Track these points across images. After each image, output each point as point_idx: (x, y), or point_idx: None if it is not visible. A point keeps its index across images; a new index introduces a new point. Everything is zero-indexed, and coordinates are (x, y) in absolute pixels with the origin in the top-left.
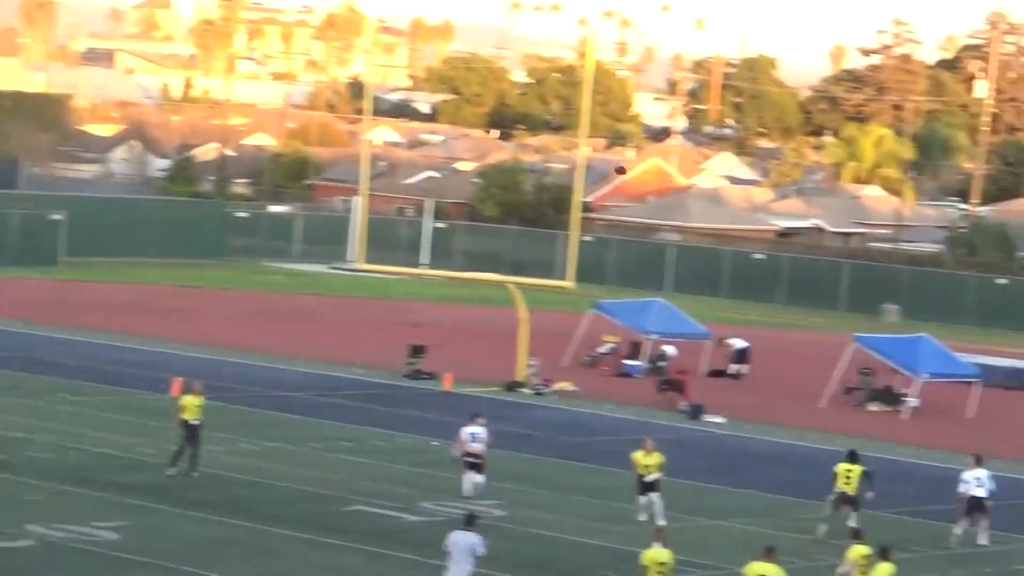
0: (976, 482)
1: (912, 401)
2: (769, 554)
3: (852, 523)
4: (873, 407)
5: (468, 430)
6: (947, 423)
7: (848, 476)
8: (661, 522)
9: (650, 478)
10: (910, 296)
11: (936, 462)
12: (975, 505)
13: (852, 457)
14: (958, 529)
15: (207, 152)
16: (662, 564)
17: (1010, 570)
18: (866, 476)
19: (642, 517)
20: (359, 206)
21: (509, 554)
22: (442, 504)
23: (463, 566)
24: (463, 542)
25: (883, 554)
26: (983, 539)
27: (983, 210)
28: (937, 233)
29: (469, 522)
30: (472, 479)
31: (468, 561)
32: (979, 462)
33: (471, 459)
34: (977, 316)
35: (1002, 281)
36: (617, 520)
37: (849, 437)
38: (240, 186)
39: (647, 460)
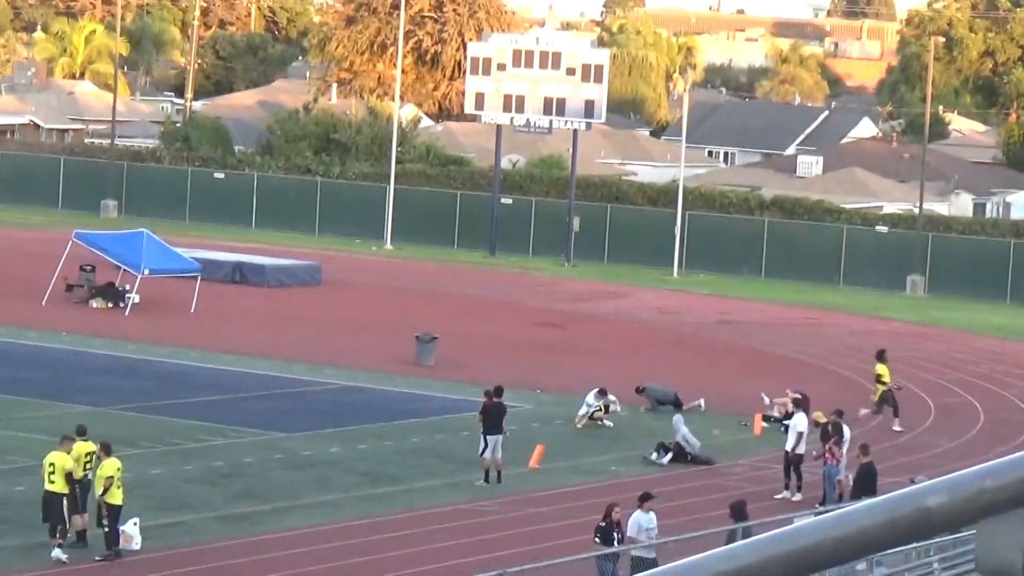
0: None
1: (134, 297)
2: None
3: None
4: (96, 304)
5: None
6: (170, 318)
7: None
8: None
9: None
10: (129, 192)
11: (161, 357)
12: None
13: None
14: None
15: None
16: None
17: (238, 462)
18: None
19: None
20: None
21: None
22: None
23: None
24: None
25: (105, 449)
26: None
27: (197, 104)
28: (153, 128)
29: None
30: None
31: None
32: None
33: None
34: (196, 211)
35: (219, 175)
36: None
37: (73, 335)
38: None
39: None
